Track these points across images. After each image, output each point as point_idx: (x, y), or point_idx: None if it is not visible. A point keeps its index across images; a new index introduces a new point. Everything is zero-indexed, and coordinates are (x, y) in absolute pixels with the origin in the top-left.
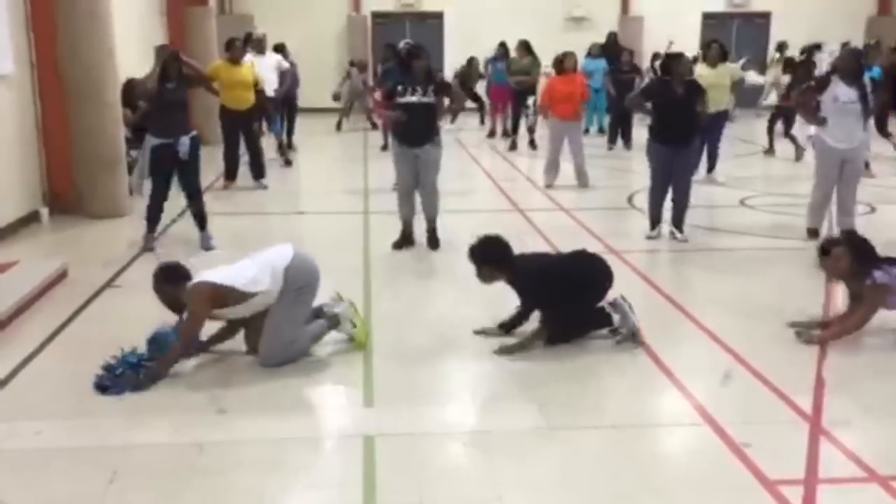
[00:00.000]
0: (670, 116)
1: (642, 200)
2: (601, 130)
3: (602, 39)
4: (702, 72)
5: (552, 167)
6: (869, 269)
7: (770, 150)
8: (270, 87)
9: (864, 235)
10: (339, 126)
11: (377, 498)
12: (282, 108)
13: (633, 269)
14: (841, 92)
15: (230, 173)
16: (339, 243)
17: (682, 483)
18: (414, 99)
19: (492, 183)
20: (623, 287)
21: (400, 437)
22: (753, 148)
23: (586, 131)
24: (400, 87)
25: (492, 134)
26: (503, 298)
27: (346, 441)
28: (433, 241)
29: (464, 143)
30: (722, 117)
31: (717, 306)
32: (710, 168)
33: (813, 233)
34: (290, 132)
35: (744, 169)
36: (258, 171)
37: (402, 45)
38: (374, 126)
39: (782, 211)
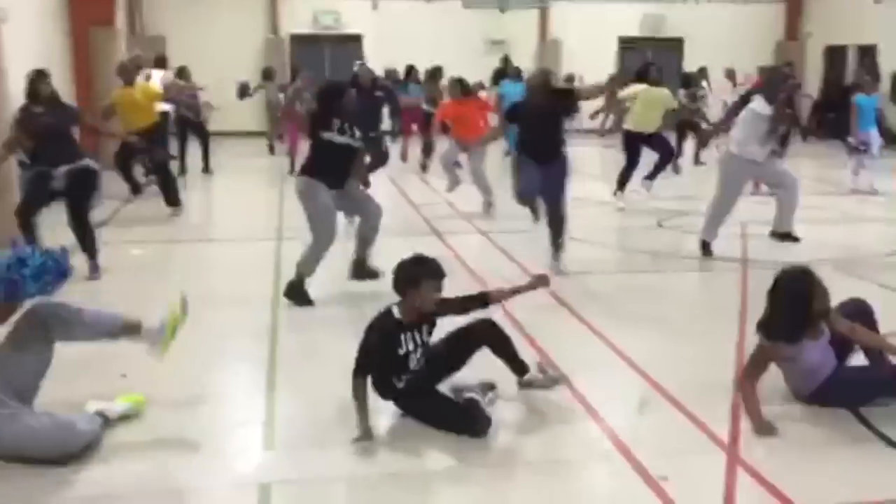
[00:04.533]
0: (529, 131)
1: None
2: None
3: (522, 63)
4: (637, 91)
5: (448, 173)
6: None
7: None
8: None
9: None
10: (271, 150)
11: None
12: (187, 132)
13: (550, 294)
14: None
15: (135, 188)
16: (249, 271)
17: None
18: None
19: (408, 205)
20: (539, 311)
21: (301, 484)
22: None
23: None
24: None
25: (404, 157)
26: None
27: (239, 491)
28: (360, 272)
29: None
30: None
31: (635, 330)
32: (649, 177)
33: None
34: (204, 156)
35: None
36: (173, 196)
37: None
38: (273, 150)
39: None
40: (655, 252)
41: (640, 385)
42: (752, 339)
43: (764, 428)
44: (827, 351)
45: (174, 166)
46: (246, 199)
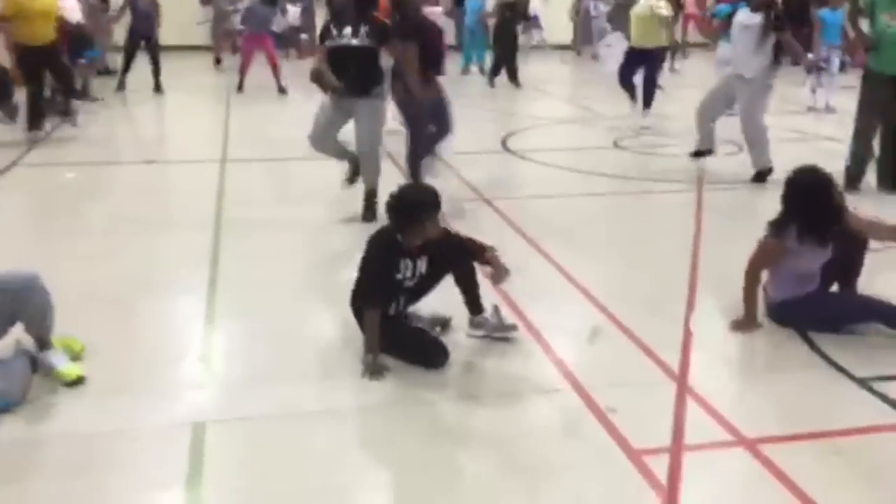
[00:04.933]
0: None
1: (518, 143)
2: (482, 70)
3: None
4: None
5: None
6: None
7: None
8: (73, 14)
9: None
10: (218, 62)
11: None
12: (136, 45)
13: (504, 217)
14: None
15: (35, 121)
16: (190, 195)
17: (545, 458)
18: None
19: None
20: (496, 240)
21: (236, 423)
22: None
23: (466, 70)
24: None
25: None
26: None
27: (172, 431)
28: (370, 213)
29: None
30: (650, 54)
31: (591, 257)
32: (645, 104)
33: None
34: (155, 73)
35: (619, 106)
36: (66, 106)
37: None
38: (219, 62)
39: (654, 152)
40: (611, 174)
41: (592, 314)
42: (706, 263)
43: (744, 325)
44: (819, 270)
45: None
46: (191, 120)
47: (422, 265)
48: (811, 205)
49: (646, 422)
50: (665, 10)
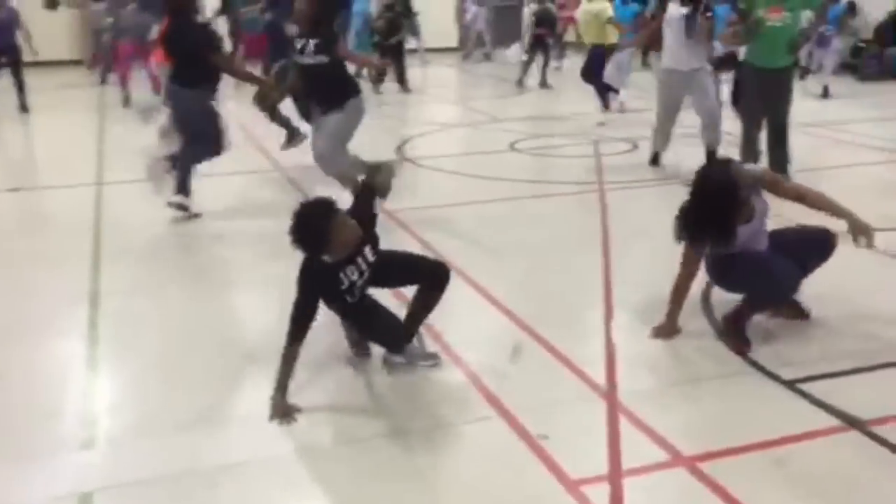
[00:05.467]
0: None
1: (414, 150)
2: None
3: None
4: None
5: None
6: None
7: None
8: None
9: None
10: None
11: None
12: None
13: (406, 229)
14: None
15: None
16: (64, 224)
17: (482, 497)
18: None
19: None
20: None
21: (128, 489)
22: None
23: (359, 75)
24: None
25: None
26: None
27: None
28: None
29: None
30: (597, 51)
31: (499, 266)
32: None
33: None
34: (19, 90)
35: (511, 108)
36: None
37: None
38: (103, 79)
39: (551, 153)
40: (512, 177)
41: (510, 329)
42: (618, 264)
43: (664, 331)
44: (760, 235)
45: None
46: (62, 140)
47: (365, 259)
48: (722, 205)
49: (580, 447)
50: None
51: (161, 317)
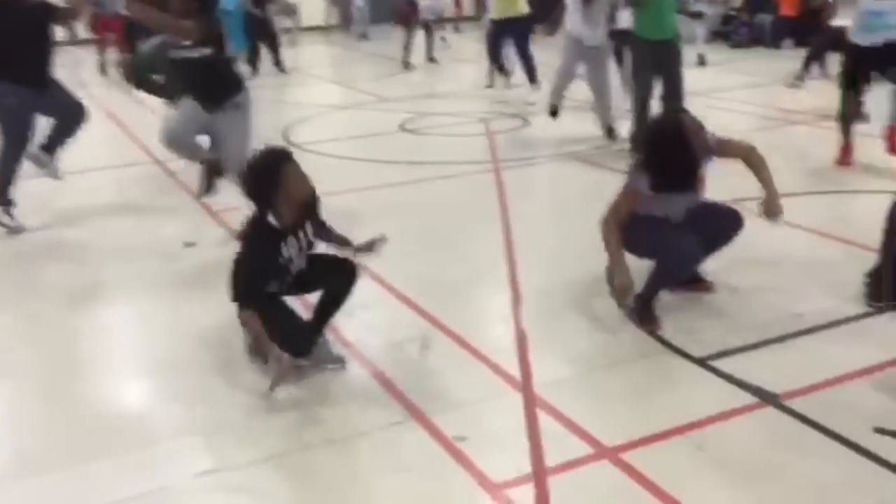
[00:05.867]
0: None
1: (300, 135)
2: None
3: None
4: None
5: None
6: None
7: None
8: None
9: None
10: None
11: None
12: None
13: None
14: None
15: None
16: None
17: None
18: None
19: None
20: None
21: None
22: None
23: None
24: None
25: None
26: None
27: None
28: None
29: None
30: (516, 25)
31: (398, 256)
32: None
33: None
34: None
35: (397, 87)
36: None
37: None
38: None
39: (443, 133)
40: (404, 160)
41: (416, 322)
42: (521, 245)
43: (624, 290)
44: (681, 206)
45: None
46: None
47: (306, 235)
48: (662, 155)
49: (500, 447)
50: None
51: (38, 335)
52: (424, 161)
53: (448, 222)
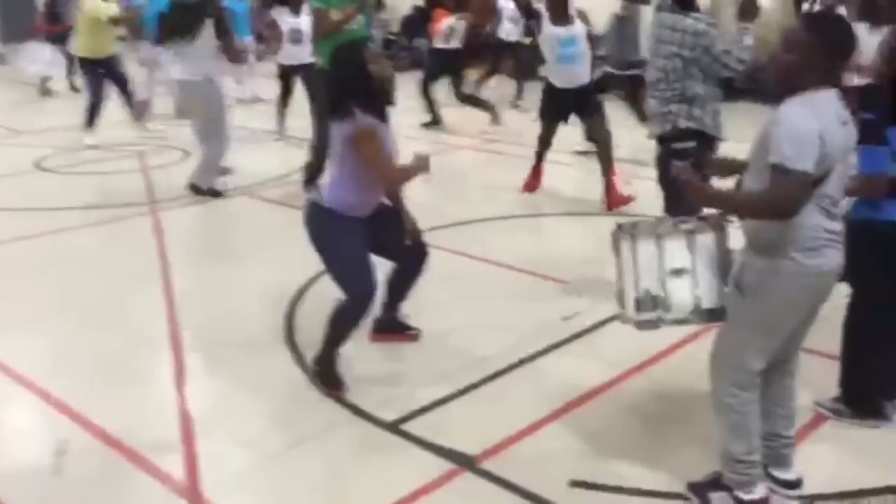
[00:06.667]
0: None
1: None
2: None
3: None
4: None
5: None
6: None
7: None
8: None
9: None
10: None
11: None
12: None
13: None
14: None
15: None
16: None
17: None
18: None
19: None
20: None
21: None
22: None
23: None
24: None
25: None
26: None
27: None
28: None
29: None
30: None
31: (27, 326)
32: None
33: None
34: None
35: (34, 118)
36: None
37: None
38: None
39: (89, 171)
40: (41, 206)
41: (51, 420)
42: (186, 302)
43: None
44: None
45: None
46: None
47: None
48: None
49: None
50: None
51: None
52: (66, 206)
53: (94, 281)
